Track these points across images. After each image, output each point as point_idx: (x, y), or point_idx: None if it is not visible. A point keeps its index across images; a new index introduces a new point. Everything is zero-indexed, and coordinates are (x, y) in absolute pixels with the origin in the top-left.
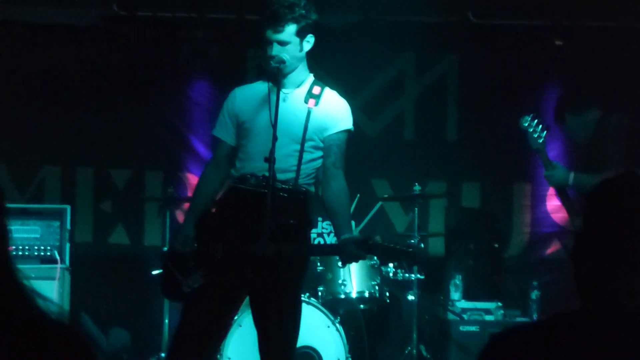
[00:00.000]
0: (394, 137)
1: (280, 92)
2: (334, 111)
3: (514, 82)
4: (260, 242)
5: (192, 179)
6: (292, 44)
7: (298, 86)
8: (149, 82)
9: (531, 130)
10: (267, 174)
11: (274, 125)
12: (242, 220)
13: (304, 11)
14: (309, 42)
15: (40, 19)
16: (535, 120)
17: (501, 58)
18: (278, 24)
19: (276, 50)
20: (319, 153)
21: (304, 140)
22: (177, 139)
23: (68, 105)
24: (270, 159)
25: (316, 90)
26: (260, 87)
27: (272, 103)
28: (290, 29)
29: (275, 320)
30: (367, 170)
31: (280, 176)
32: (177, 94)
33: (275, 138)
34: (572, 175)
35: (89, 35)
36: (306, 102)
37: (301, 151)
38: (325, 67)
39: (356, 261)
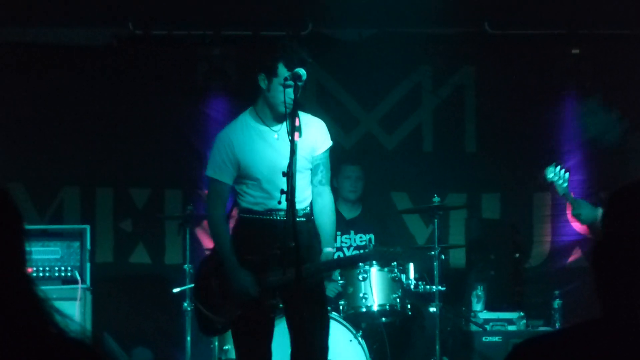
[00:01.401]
0: (412, 150)
1: (271, 131)
2: (315, 135)
3: (531, 92)
4: (276, 271)
5: None
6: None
7: (283, 122)
8: (166, 100)
9: (557, 178)
10: (284, 207)
11: (290, 164)
12: (266, 251)
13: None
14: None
15: (56, 40)
16: (558, 167)
17: (518, 68)
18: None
19: (296, 91)
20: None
21: (289, 170)
22: (195, 156)
23: (86, 125)
24: (289, 198)
25: (298, 121)
26: (249, 126)
27: (270, 144)
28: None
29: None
30: (386, 184)
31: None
32: (195, 111)
33: (290, 174)
34: (599, 211)
35: (105, 55)
36: (290, 136)
37: (289, 182)
38: (342, 82)
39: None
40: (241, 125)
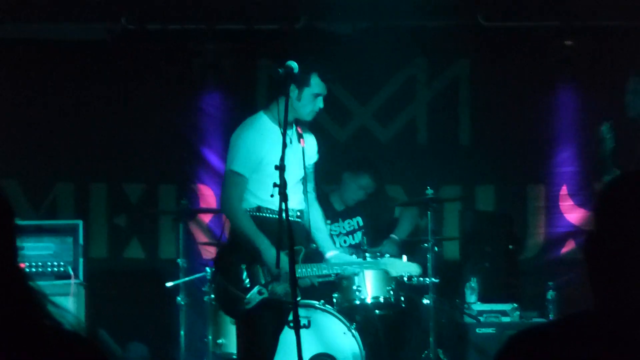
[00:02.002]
0: (406, 143)
1: (287, 136)
2: (312, 149)
3: (525, 84)
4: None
5: (205, 191)
6: None
7: (292, 129)
8: (161, 96)
9: (608, 135)
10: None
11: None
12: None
13: None
14: None
15: (49, 35)
16: (611, 127)
17: (512, 60)
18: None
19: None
20: None
21: (305, 175)
22: (189, 151)
23: (80, 121)
24: (282, 192)
25: (299, 129)
26: (271, 126)
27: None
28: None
29: None
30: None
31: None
32: (189, 106)
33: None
34: None
35: (99, 51)
36: (298, 142)
37: (305, 185)
38: (336, 74)
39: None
40: (262, 125)
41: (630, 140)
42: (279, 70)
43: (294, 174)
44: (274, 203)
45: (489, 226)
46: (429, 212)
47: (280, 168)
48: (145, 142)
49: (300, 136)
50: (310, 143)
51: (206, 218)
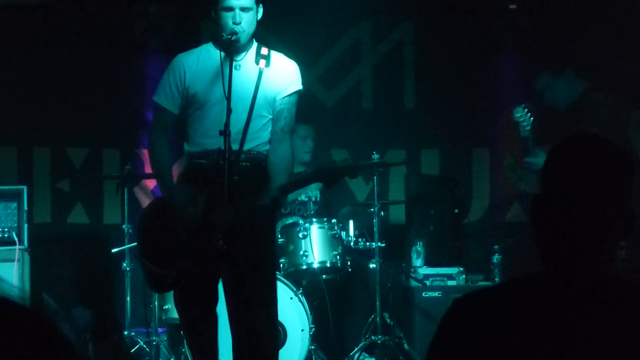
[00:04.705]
0: (351, 107)
1: (234, 61)
2: (285, 73)
3: (470, 47)
4: (219, 212)
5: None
6: (252, 10)
7: (247, 51)
8: (104, 59)
9: (522, 119)
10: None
11: (228, 98)
12: (209, 195)
13: None
14: (260, 12)
15: None
16: (526, 110)
17: (457, 24)
18: None
19: (238, 17)
20: (271, 116)
21: (253, 100)
22: (133, 115)
23: (21, 85)
24: (225, 132)
25: (264, 51)
26: (207, 54)
27: (225, 75)
28: None
29: (255, 284)
30: (325, 140)
31: (239, 146)
32: (132, 70)
33: (229, 110)
34: None
35: (40, 14)
36: (257, 63)
37: (251, 113)
38: (280, 38)
39: (275, 208)
40: (199, 52)
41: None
42: (222, 34)
43: (240, 107)
44: (218, 144)
45: (434, 190)
46: (374, 177)
47: (225, 134)
48: (89, 106)
49: (264, 58)
50: (284, 70)
51: (151, 183)
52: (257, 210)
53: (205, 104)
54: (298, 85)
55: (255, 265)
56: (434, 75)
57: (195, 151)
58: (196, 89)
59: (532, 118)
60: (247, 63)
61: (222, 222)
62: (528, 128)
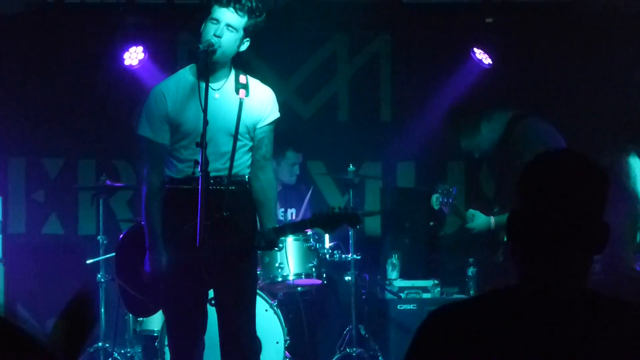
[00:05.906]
0: (328, 119)
1: (210, 89)
2: (264, 102)
3: (446, 61)
4: (202, 245)
5: (125, 167)
6: (237, 34)
7: (226, 79)
8: (80, 70)
9: (445, 203)
10: (218, 173)
11: (204, 110)
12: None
13: (262, 11)
14: (245, 44)
15: None
16: (445, 194)
17: (433, 37)
18: (239, 6)
19: (220, 31)
20: (251, 143)
21: (236, 132)
22: (109, 127)
23: None
24: (202, 144)
25: (242, 79)
26: (186, 82)
27: (217, 100)
28: (244, 19)
29: (234, 308)
30: (302, 153)
31: (228, 174)
32: (108, 81)
33: (206, 122)
34: (492, 220)
35: (18, 24)
36: (237, 92)
37: (235, 143)
38: (257, 50)
39: (270, 249)
40: (177, 80)
41: None
42: (199, 45)
43: (221, 134)
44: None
45: (409, 202)
46: (350, 189)
47: (202, 143)
48: (65, 117)
49: (243, 87)
50: (263, 99)
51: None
52: (253, 249)
53: (190, 135)
54: (276, 114)
55: (237, 301)
56: (410, 88)
57: (178, 177)
58: (180, 121)
59: (453, 188)
60: (226, 92)
61: (206, 249)
62: (455, 202)
